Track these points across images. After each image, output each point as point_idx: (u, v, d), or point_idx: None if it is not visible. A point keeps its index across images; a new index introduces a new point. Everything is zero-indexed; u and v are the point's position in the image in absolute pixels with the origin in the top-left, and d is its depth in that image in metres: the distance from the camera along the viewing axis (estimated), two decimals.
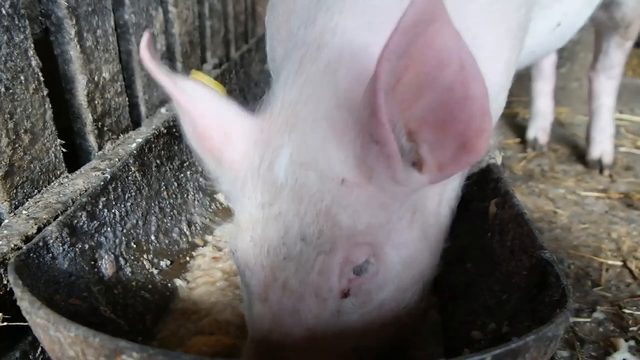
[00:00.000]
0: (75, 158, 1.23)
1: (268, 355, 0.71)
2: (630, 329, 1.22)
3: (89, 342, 0.58)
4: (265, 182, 0.73)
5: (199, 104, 0.80)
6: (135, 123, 1.45)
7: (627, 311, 1.29)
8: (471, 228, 1.06)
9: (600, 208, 1.82)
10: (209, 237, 1.24)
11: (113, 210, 0.96)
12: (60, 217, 0.83)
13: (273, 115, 0.78)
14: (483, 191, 1.05)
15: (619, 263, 1.49)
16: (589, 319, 1.26)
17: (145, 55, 0.84)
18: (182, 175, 1.26)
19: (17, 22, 0.95)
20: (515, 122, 2.62)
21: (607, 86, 2.09)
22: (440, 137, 0.66)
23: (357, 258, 0.70)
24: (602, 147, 2.12)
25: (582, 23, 1.61)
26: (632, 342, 1.17)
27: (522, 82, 2.82)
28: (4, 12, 0.91)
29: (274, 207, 0.71)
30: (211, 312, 0.94)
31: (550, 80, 2.33)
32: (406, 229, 0.75)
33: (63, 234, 0.81)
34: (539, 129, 2.32)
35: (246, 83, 2.04)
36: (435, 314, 0.97)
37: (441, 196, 0.86)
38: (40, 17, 1.11)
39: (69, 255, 0.82)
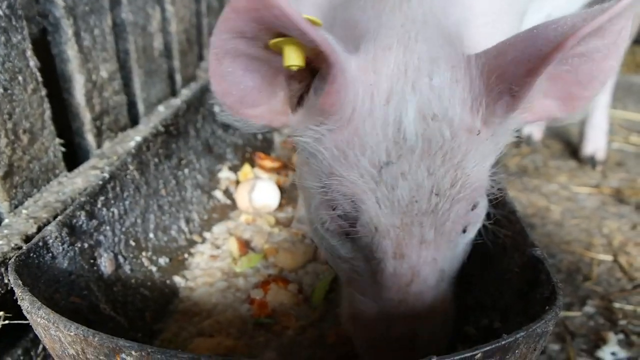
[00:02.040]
0: (74, 157, 1.24)
1: (407, 306, 0.74)
2: (620, 322, 1.25)
3: (88, 341, 0.60)
4: (391, 138, 0.68)
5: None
6: (133, 121, 1.46)
7: (617, 305, 1.31)
8: None
9: (593, 203, 1.85)
10: (207, 234, 1.25)
11: (112, 209, 0.98)
12: (59, 217, 0.84)
13: (384, 58, 0.71)
14: None
15: (610, 258, 1.52)
16: (579, 313, 1.28)
17: None
18: (180, 172, 1.27)
19: (14, 23, 0.96)
20: None
21: None
22: (558, 90, 0.72)
23: (479, 199, 0.74)
24: (595, 143, 2.15)
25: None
26: (621, 336, 1.20)
27: None
28: (0, 13, 0.92)
29: (403, 164, 0.68)
30: (212, 314, 0.96)
31: None
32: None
33: (62, 234, 0.83)
34: (533, 125, 2.34)
35: None
36: None
37: None
38: (37, 17, 1.11)
39: (68, 254, 0.84)
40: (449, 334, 0.81)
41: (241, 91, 0.73)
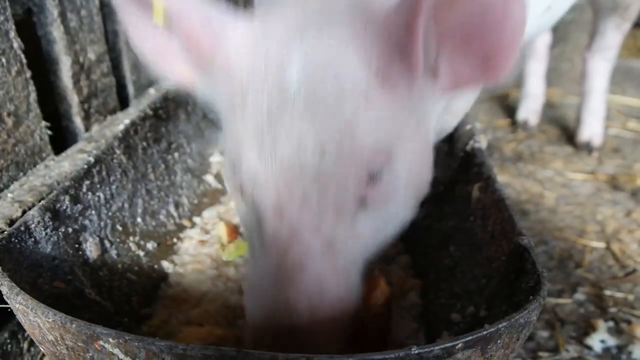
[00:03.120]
0: (62, 140, 1.22)
1: (285, 274, 0.67)
2: (610, 310, 1.25)
3: (66, 327, 0.60)
4: (273, 89, 0.67)
5: (182, 9, 0.72)
6: (123, 104, 1.44)
7: (607, 293, 1.31)
8: (455, 211, 1.07)
9: (587, 190, 1.84)
10: (196, 219, 1.24)
11: (98, 194, 0.97)
12: (42, 202, 0.83)
13: (276, 17, 0.73)
14: (467, 175, 1.06)
15: (603, 245, 1.51)
16: (569, 300, 1.28)
17: None
18: (169, 157, 1.26)
19: None
20: (506, 103, 2.61)
21: (601, 68, 2.08)
22: (465, 51, 0.67)
23: (374, 167, 0.69)
24: (592, 129, 2.13)
25: (572, 2, 1.60)
26: (611, 323, 1.20)
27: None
28: None
29: (285, 117, 0.66)
30: (201, 302, 0.95)
31: (543, 61, 2.32)
32: (411, 139, 0.74)
33: (45, 218, 0.82)
34: (530, 110, 2.32)
35: None
36: (417, 298, 0.98)
37: (436, 117, 0.86)
38: None
39: (52, 239, 0.83)
40: (346, 325, 0.72)
41: (149, 47, 0.81)
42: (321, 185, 0.67)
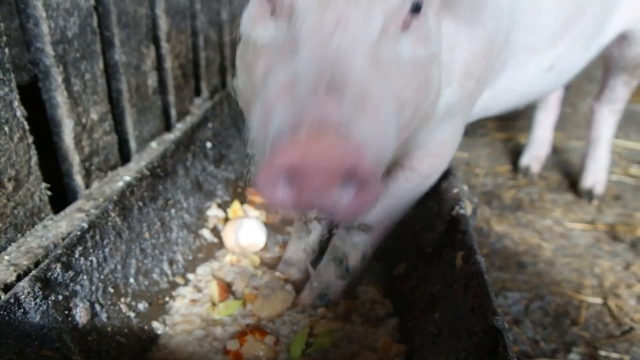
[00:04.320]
0: (62, 197, 1.27)
1: (324, 72, 0.60)
2: None
3: None
4: None
5: None
6: (125, 158, 1.49)
7: (602, 353, 1.30)
8: (442, 275, 1.08)
9: (586, 241, 1.83)
10: (190, 276, 1.27)
11: (90, 258, 1.00)
12: (33, 271, 0.86)
13: None
14: (452, 240, 1.07)
15: (600, 301, 1.50)
16: None
17: None
18: (166, 213, 1.29)
19: (2, 77, 0.99)
20: (508, 148, 2.63)
21: (608, 119, 2.11)
22: None
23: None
24: (595, 176, 2.13)
25: (581, 67, 1.65)
26: None
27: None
28: None
29: None
30: None
31: (554, 113, 2.35)
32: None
33: (35, 289, 0.85)
34: (533, 157, 2.33)
35: (239, 112, 2.08)
36: None
37: None
38: (28, 65, 1.15)
39: (41, 308, 0.86)
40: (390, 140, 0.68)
41: None
42: None
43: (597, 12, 1.49)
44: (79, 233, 0.97)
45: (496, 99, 1.42)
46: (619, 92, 2.03)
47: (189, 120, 1.79)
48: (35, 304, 0.84)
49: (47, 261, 0.89)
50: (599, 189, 2.11)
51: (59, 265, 0.91)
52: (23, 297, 0.82)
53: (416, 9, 0.73)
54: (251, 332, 1.03)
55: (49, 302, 0.87)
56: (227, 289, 1.20)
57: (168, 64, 1.69)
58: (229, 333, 1.06)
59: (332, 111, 0.56)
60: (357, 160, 0.55)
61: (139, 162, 1.46)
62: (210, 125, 1.67)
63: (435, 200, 1.23)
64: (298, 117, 0.56)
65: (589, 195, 2.11)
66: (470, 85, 1.13)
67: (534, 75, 1.46)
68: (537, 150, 2.32)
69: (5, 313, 0.79)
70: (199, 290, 1.22)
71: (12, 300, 0.80)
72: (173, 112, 1.75)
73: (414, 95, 0.77)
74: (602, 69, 2.04)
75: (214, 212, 1.48)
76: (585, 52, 1.58)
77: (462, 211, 1.07)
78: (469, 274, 0.93)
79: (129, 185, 1.16)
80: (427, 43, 0.77)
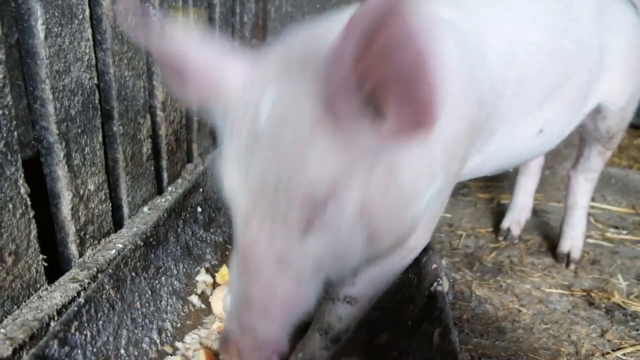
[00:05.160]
0: (57, 265, 1.31)
1: (246, 277, 0.87)
2: None
3: None
4: (250, 124, 0.85)
5: (190, 50, 0.93)
6: (118, 223, 1.54)
7: None
8: (421, 349, 1.13)
9: (563, 306, 1.89)
10: (178, 344, 1.30)
11: (85, 332, 1.04)
12: (32, 350, 0.90)
13: (265, 60, 0.92)
14: (431, 315, 1.13)
15: None
16: None
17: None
18: (156, 282, 1.34)
19: (9, 158, 1.06)
20: (490, 208, 2.72)
21: (584, 187, 2.21)
22: (404, 98, 0.75)
23: (319, 198, 0.83)
24: (572, 241, 2.22)
25: (569, 130, 1.73)
26: None
27: None
28: None
29: (255, 149, 0.84)
30: None
31: (535, 179, 2.45)
32: (365, 178, 0.87)
33: None
34: (514, 221, 2.42)
35: None
36: None
37: (425, 171, 1.03)
38: (33, 142, 1.22)
39: None
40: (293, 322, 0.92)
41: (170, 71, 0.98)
42: (275, 208, 0.83)
43: (583, 81, 1.57)
44: (75, 309, 1.01)
45: (486, 161, 1.47)
46: (594, 162, 2.14)
47: (181, 184, 1.86)
48: None
49: (45, 338, 0.93)
50: (576, 253, 2.19)
51: (56, 342, 0.95)
52: None
53: (318, 207, 0.85)
54: None
55: None
56: (214, 358, 1.24)
57: (162, 131, 1.77)
58: None
59: (244, 320, 0.88)
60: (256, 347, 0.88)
61: (131, 228, 1.52)
62: (201, 190, 1.73)
63: (416, 272, 1.29)
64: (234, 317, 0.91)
65: (567, 259, 2.19)
66: (455, 166, 1.20)
67: (523, 139, 1.52)
68: (517, 215, 2.42)
69: None
70: (187, 359, 1.25)
71: None
72: (165, 175, 1.82)
73: (339, 259, 0.95)
74: (578, 143, 2.17)
75: (202, 278, 1.53)
76: (573, 117, 1.66)
77: (439, 288, 1.13)
78: (445, 352, 0.98)
79: (123, 257, 1.21)
80: (339, 221, 0.88)
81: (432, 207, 1.22)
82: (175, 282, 1.42)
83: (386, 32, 0.67)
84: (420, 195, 1.04)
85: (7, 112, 1.04)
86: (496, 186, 2.93)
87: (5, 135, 1.04)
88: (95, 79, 1.35)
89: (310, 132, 0.80)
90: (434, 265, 1.22)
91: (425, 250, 1.33)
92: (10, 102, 1.04)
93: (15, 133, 1.07)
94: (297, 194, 0.81)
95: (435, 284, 1.15)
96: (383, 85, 0.75)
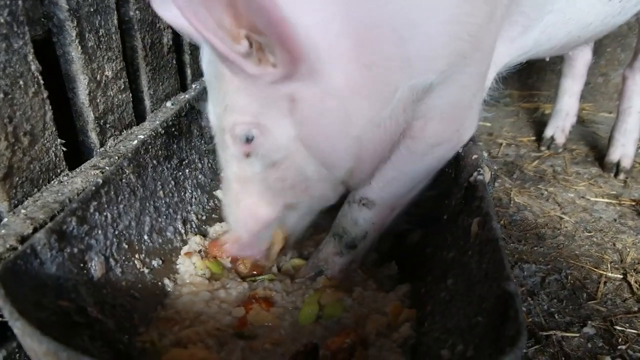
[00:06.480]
0: (78, 154, 1.27)
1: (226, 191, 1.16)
2: (619, 347, 1.21)
3: (57, 355, 0.63)
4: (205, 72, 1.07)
5: None
6: (140, 117, 1.48)
7: (618, 328, 1.27)
8: (457, 242, 1.06)
9: (609, 215, 1.78)
10: (202, 237, 1.27)
11: (105, 213, 1.00)
12: (49, 224, 0.87)
13: None
14: (469, 207, 1.04)
15: (619, 276, 1.47)
16: (577, 334, 1.25)
17: None
18: (180, 173, 1.29)
19: (15, 29, 0.98)
20: (534, 118, 2.55)
21: None
22: (272, 45, 0.84)
23: (240, 130, 1.00)
24: (623, 149, 2.05)
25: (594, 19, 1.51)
26: None
27: (544, 75, 2.74)
28: (2, 20, 0.94)
29: (210, 89, 1.06)
30: (194, 323, 0.98)
31: (580, 80, 2.25)
32: (285, 113, 0.97)
33: (51, 240, 0.86)
34: (558, 128, 2.26)
35: None
36: (410, 329, 0.98)
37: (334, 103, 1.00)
38: (42, 19, 1.14)
39: (57, 259, 0.87)
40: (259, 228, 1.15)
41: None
42: (222, 142, 1.06)
43: None
44: (93, 188, 0.97)
45: (547, 34, 1.30)
46: None
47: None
48: (51, 255, 0.85)
49: (62, 214, 0.90)
50: (626, 162, 2.04)
51: (74, 218, 0.92)
52: (39, 248, 0.83)
53: (248, 139, 1.01)
54: (257, 302, 1.03)
55: (65, 254, 0.88)
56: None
57: None
58: (235, 297, 1.07)
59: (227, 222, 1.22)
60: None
61: (154, 121, 1.46)
62: None
63: (453, 166, 1.20)
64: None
65: (616, 169, 2.05)
66: (461, 46, 0.98)
67: (591, 2, 1.33)
68: (562, 121, 2.25)
69: (22, 263, 0.80)
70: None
71: (28, 251, 0.81)
72: (189, 72, 1.73)
73: (289, 182, 1.08)
74: (637, 34, 1.94)
75: None
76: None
77: (479, 177, 1.04)
78: (484, 240, 0.91)
79: (143, 142, 1.16)
80: (275, 151, 1.02)
81: (446, 91, 1.04)
82: (199, 176, 1.38)
83: None
84: (357, 116, 0.99)
85: None
86: (541, 95, 2.74)
87: (8, 2, 0.96)
88: None
89: (225, 81, 0.96)
90: (475, 156, 1.12)
91: (465, 143, 1.22)
92: None
93: (20, 3, 0.99)
94: (227, 124, 1.01)
95: (475, 173, 1.06)
96: (254, 31, 0.83)
